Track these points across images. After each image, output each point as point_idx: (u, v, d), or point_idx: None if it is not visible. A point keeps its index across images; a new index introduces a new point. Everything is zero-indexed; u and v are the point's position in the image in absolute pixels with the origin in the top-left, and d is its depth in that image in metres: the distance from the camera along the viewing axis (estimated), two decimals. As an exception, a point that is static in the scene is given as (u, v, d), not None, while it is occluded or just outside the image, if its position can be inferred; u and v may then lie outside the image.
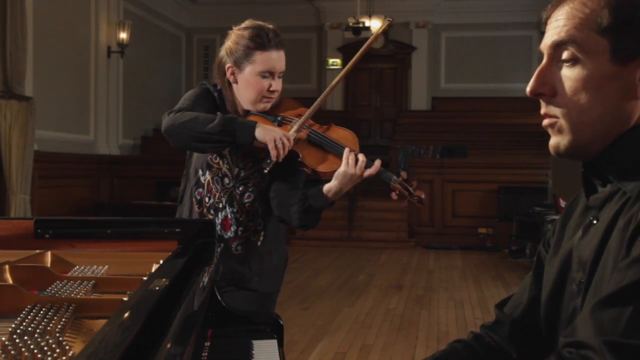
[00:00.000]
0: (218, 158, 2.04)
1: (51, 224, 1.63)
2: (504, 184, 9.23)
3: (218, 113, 1.93)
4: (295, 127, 1.96)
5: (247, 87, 1.98)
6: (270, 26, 1.99)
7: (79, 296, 1.20)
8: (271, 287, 2.11)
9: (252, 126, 1.88)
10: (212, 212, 2.05)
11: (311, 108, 2.01)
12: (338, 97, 13.13)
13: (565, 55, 0.91)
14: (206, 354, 1.44)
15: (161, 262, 1.42)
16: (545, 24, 0.96)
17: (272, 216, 2.06)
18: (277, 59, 1.96)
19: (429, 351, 4.16)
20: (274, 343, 1.62)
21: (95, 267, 1.50)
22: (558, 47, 0.92)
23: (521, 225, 8.61)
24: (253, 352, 1.54)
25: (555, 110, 0.94)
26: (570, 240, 0.99)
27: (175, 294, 1.11)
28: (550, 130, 0.96)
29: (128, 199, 8.96)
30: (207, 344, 1.50)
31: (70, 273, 1.46)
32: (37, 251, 1.54)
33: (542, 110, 0.96)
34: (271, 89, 1.97)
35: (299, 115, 2.02)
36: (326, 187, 1.91)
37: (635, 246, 0.80)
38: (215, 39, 12.65)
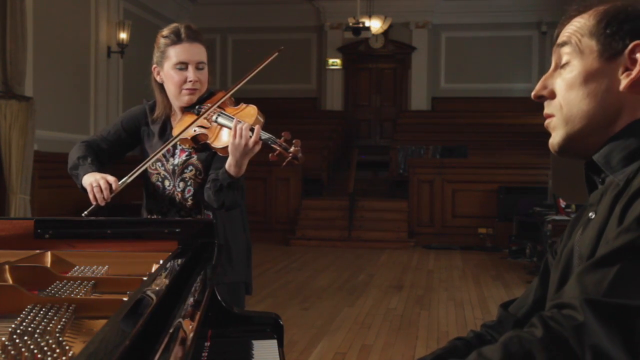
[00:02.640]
0: (155, 164, 2.13)
1: (51, 224, 1.63)
2: (504, 184, 9.24)
3: (80, 158, 2.06)
4: (183, 128, 2.03)
5: (168, 82, 2.09)
6: (184, 24, 2.10)
7: (79, 296, 1.20)
8: (234, 277, 2.13)
9: (84, 172, 2.01)
10: (159, 217, 2.13)
11: (224, 96, 2.10)
12: (338, 98, 13.14)
13: (563, 60, 1.03)
14: (206, 354, 1.44)
15: (161, 262, 1.42)
16: (556, 40, 1.07)
17: None
18: (190, 50, 2.06)
19: (429, 351, 4.14)
20: (274, 343, 1.62)
21: (95, 267, 1.50)
22: (558, 50, 1.04)
23: (521, 225, 8.60)
24: (253, 352, 1.54)
25: (552, 109, 1.04)
26: (573, 237, 1.03)
27: (175, 294, 1.11)
28: (549, 130, 1.05)
29: (128, 199, 8.94)
30: (207, 344, 1.50)
31: (70, 273, 1.46)
32: (37, 251, 1.54)
33: (544, 112, 1.05)
34: (188, 79, 2.05)
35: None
36: (227, 163, 1.96)
37: (625, 219, 0.84)
38: (215, 39, 12.66)
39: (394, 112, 13.03)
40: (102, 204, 1.94)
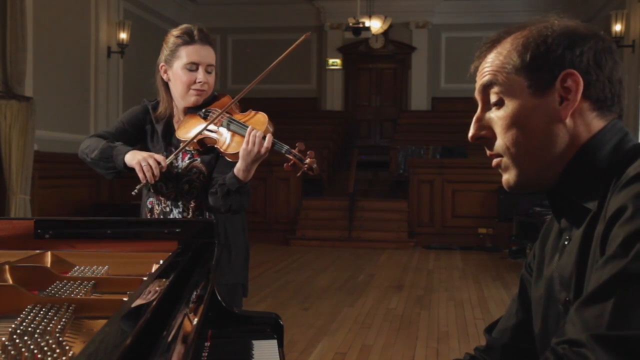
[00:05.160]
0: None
1: (51, 224, 1.63)
2: (504, 184, 9.23)
3: (108, 143, 2.08)
4: (203, 125, 2.06)
5: (176, 82, 2.10)
6: (197, 25, 2.11)
7: (79, 296, 1.20)
8: (233, 278, 2.15)
9: (123, 152, 2.02)
10: (162, 217, 2.15)
11: (234, 99, 2.13)
12: (338, 98, 13.14)
13: (493, 98, 1.02)
14: (206, 354, 1.44)
15: (161, 262, 1.42)
16: (474, 75, 1.07)
17: None
18: (201, 52, 2.07)
19: (429, 351, 4.16)
20: (274, 343, 1.62)
21: (95, 267, 1.50)
22: (485, 90, 1.03)
23: (521, 225, 8.61)
24: (253, 352, 1.54)
25: (498, 149, 1.03)
26: (551, 264, 1.04)
27: (175, 294, 1.11)
28: (500, 170, 1.05)
29: (128, 199, 8.93)
30: (207, 344, 1.50)
31: (70, 273, 1.46)
32: (37, 251, 1.54)
33: (488, 153, 1.05)
34: (198, 80, 2.07)
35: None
36: (235, 168, 1.98)
37: (608, 245, 0.85)
38: (215, 39, 12.64)
39: (394, 112, 13.02)
40: (152, 181, 1.98)
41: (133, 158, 1.99)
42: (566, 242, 1.00)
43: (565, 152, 0.98)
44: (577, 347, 0.79)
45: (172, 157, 2.06)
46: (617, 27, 9.08)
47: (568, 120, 0.97)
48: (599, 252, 0.88)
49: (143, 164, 1.96)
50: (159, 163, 1.97)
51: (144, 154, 2.00)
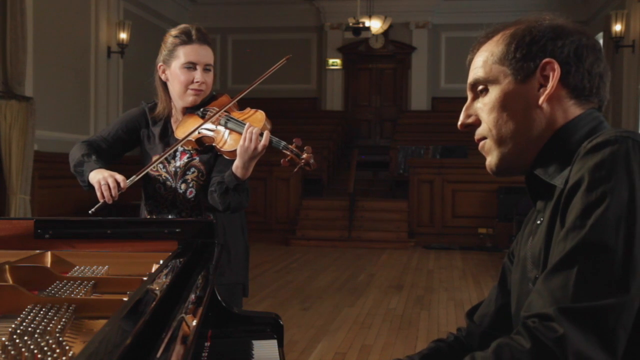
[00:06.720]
0: (157, 166, 2.14)
1: (51, 224, 1.63)
2: (504, 184, 9.23)
3: (84, 155, 2.07)
4: (186, 134, 2.06)
5: (174, 81, 2.11)
6: (195, 25, 2.12)
7: (79, 296, 1.20)
8: (233, 278, 2.16)
9: (89, 169, 2.02)
10: (161, 217, 2.15)
11: (231, 100, 2.14)
12: (338, 98, 13.14)
13: (480, 88, 1.11)
14: (206, 354, 1.44)
15: (161, 262, 1.42)
16: (469, 68, 1.14)
17: None
18: (199, 52, 2.08)
19: (429, 351, 4.16)
20: (274, 343, 1.62)
21: (95, 267, 1.50)
22: (474, 85, 1.12)
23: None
24: (253, 352, 1.54)
25: (482, 132, 1.10)
26: (525, 246, 1.10)
27: (176, 294, 1.11)
28: (483, 153, 1.12)
29: (128, 199, 8.93)
30: (207, 344, 1.50)
31: (70, 273, 1.46)
32: (37, 251, 1.54)
33: (475, 137, 1.13)
34: (195, 80, 2.07)
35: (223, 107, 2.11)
36: (234, 166, 1.98)
37: (568, 217, 0.89)
38: (215, 39, 12.64)
39: (394, 112, 13.02)
40: (110, 202, 1.96)
41: (95, 176, 1.99)
42: (539, 222, 1.06)
43: (541, 135, 1.05)
44: (546, 321, 0.83)
45: (134, 177, 2.04)
46: (617, 27, 9.07)
47: (545, 106, 1.03)
48: (559, 225, 0.92)
49: (102, 183, 1.95)
50: (118, 184, 1.96)
51: (106, 173, 1.99)
